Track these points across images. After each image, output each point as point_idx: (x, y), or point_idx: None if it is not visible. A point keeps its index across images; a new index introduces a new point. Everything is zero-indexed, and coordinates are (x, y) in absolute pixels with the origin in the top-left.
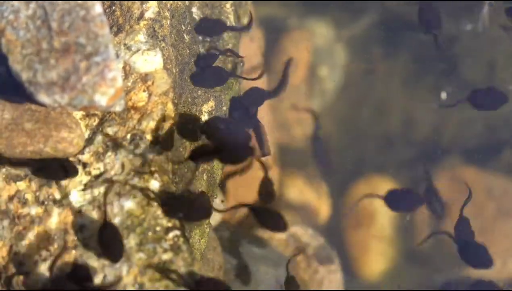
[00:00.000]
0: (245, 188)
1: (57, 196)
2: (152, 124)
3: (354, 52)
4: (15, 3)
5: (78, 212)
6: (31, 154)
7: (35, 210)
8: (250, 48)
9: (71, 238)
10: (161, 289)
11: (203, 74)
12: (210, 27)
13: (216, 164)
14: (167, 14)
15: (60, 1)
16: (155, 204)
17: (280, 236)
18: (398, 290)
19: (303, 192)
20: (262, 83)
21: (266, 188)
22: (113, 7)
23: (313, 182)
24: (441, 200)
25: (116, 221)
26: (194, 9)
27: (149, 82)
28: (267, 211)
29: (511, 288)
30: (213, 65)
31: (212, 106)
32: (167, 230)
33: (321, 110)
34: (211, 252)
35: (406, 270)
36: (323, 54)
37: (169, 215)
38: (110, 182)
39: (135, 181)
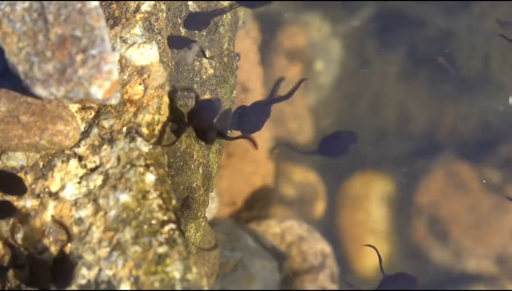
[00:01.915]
0: (241, 182)
1: (53, 188)
2: (148, 117)
3: (350, 47)
4: None
5: (73, 205)
6: (27, 146)
7: (30, 203)
8: (246, 42)
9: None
10: (156, 282)
11: None
12: (197, 20)
13: (212, 158)
14: (163, 7)
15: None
16: (151, 197)
17: (274, 231)
18: (397, 290)
19: (299, 186)
20: (258, 80)
21: None
22: (109, 0)
23: (308, 176)
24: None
25: (112, 214)
26: (190, 2)
27: (145, 76)
28: None
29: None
30: None
31: None
32: (163, 223)
33: (316, 105)
34: (206, 246)
35: (401, 264)
36: (318, 48)
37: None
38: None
39: (131, 174)
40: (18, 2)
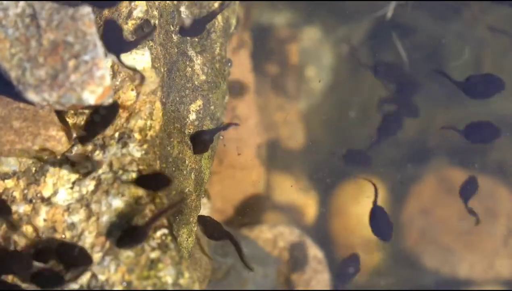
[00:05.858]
0: (233, 187)
1: (45, 194)
2: (140, 123)
3: (341, 53)
4: (4, 1)
5: (66, 210)
6: (19, 152)
7: (23, 208)
8: (238, 47)
9: (59, 236)
10: (149, 287)
11: None
12: (192, 27)
13: (204, 163)
14: (156, 13)
15: (49, 0)
16: (143, 202)
17: (266, 236)
18: (395, 290)
19: (290, 192)
20: (250, 85)
21: None
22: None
23: (300, 182)
24: None
25: (104, 219)
26: (182, 9)
27: (137, 81)
28: None
29: (497, 288)
30: None
31: (199, 105)
32: (155, 228)
33: (308, 111)
34: (198, 251)
35: (393, 271)
36: (310, 55)
37: None
38: None
39: (123, 179)
40: (10, 7)
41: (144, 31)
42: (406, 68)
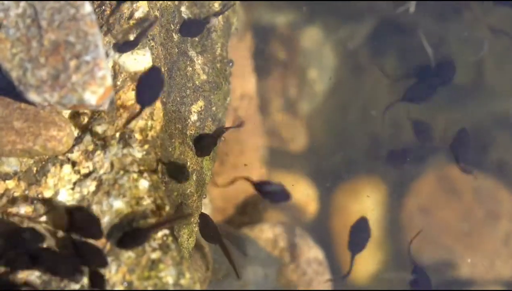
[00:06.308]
0: (234, 188)
1: (46, 194)
2: (141, 123)
3: (343, 54)
4: (5, 1)
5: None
6: (20, 152)
7: (24, 209)
8: (239, 48)
9: (60, 236)
10: (149, 287)
11: None
12: (192, 28)
13: (206, 165)
14: (157, 13)
15: (50, 0)
16: (144, 203)
17: (267, 236)
18: (395, 290)
19: (291, 192)
20: (251, 86)
21: None
22: (103, 6)
23: (301, 181)
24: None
25: (105, 220)
26: (183, 8)
27: None
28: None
29: (498, 288)
30: None
31: (201, 106)
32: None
33: (310, 113)
34: (199, 251)
35: (394, 271)
36: (311, 56)
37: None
38: None
39: (124, 180)
40: (12, 8)
41: (144, 27)
42: (433, 64)
